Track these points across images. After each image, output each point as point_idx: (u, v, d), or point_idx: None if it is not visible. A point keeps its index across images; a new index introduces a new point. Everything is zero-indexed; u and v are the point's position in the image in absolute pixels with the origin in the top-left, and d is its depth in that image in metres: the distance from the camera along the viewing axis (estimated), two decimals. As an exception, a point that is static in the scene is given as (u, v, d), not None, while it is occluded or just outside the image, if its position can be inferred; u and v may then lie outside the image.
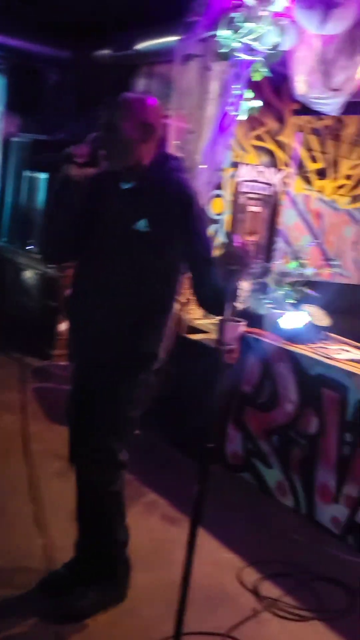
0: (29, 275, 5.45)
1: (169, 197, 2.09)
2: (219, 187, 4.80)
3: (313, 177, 5.61)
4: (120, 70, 5.55)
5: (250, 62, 3.13)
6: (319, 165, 5.65)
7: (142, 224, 2.07)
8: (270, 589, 2.59)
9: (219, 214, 5.03)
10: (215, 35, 3.31)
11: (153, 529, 2.94)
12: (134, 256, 2.12)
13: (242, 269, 1.77)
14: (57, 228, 2.19)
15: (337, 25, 2.73)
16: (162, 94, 5.24)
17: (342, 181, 5.67)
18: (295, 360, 3.29)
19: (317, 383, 3.16)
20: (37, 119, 6.02)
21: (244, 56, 3.05)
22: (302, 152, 5.48)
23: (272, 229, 5.35)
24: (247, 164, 5.11)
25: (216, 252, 2.16)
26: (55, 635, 2.16)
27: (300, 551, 2.90)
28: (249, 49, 2.99)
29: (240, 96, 3.36)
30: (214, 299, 2.00)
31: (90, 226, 2.16)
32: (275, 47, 2.92)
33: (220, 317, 3.88)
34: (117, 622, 2.28)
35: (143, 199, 2.11)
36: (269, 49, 2.95)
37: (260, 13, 2.76)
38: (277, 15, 2.76)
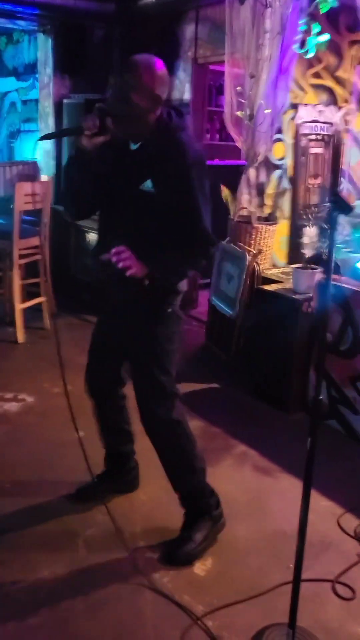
0: (92, 237, 5.47)
1: (168, 157, 2.18)
2: (279, 131, 4.66)
3: (375, 111, 5.38)
4: (166, 19, 5.39)
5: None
6: (382, 98, 5.41)
7: (147, 184, 2.19)
8: (371, 534, 2.60)
9: (281, 159, 4.89)
10: (273, -31, 3.14)
11: (246, 480, 2.98)
12: (141, 215, 2.23)
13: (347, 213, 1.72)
14: (76, 192, 2.32)
15: None
16: (212, 38, 5.08)
17: None
18: (377, 304, 3.21)
19: None
20: (87, 78, 5.93)
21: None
22: (362, 86, 5.24)
23: (335, 170, 5.18)
24: (306, 105, 4.93)
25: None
26: (170, 586, 2.23)
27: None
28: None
29: (304, 32, 3.20)
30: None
31: (105, 184, 2.28)
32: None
33: (295, 266, 3.84)
34: (226, 572, 2.33)
35: (147, 160, 2.22)
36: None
37: None
38: None
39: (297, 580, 1.81)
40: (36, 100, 6.32)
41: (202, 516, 2.45)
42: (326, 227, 3.85)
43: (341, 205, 1.63)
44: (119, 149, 2.27)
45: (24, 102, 7.05)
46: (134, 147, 2.26)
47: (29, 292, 5.01)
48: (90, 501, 2.66)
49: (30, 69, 6.76)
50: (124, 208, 2.27)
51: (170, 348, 2.37)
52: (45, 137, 2.34)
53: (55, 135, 2.25)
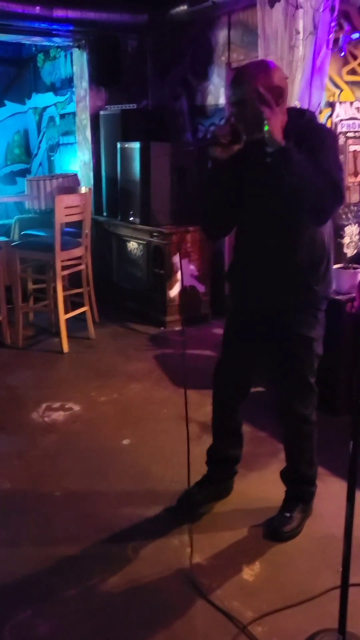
0: (133, 246, 5.53)
1: (310, 136, 2.18)
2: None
3: None
4: (199, 25, 5.42)
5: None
6: None
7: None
8: None
9: (318, 159, 4.84)
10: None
11: (294, 484, 2.95)
12: (297, 209, 2.20)
13: None
14: (215, 208, 2.38)
15: None
16: (245, 42, 5.08)
17: None
18: None
19: None
20: (122, 89, 6.01)
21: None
22: None
23: (376, 167, 5.09)
24: (343, 102, 4.87)
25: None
26: (219, 592, 2.24)
27: None
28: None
29: (336, 30, 3.17)
30: None
31: (243, 197, 2.32)
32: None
33: (336, 266, 3.79)
34: (275, 577, 2.32)
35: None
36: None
37: None
38: None
39: (345, 585, 1.79)
40: (74, 114, 6.43)
41: (301, 501, 2.63)
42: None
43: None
44: (257, 157, 2.22)
45: (62, 115, 7.18)
46: (270, 149, 2.16)
47: (73, 302, 5.10)
48: (193, 510, 2.67)
49: (67, 84, 6.89)
50: (278, 209, 2.25)
51: (319, 352, 2.47)
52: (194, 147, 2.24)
53: (198, 147, 2.34)
